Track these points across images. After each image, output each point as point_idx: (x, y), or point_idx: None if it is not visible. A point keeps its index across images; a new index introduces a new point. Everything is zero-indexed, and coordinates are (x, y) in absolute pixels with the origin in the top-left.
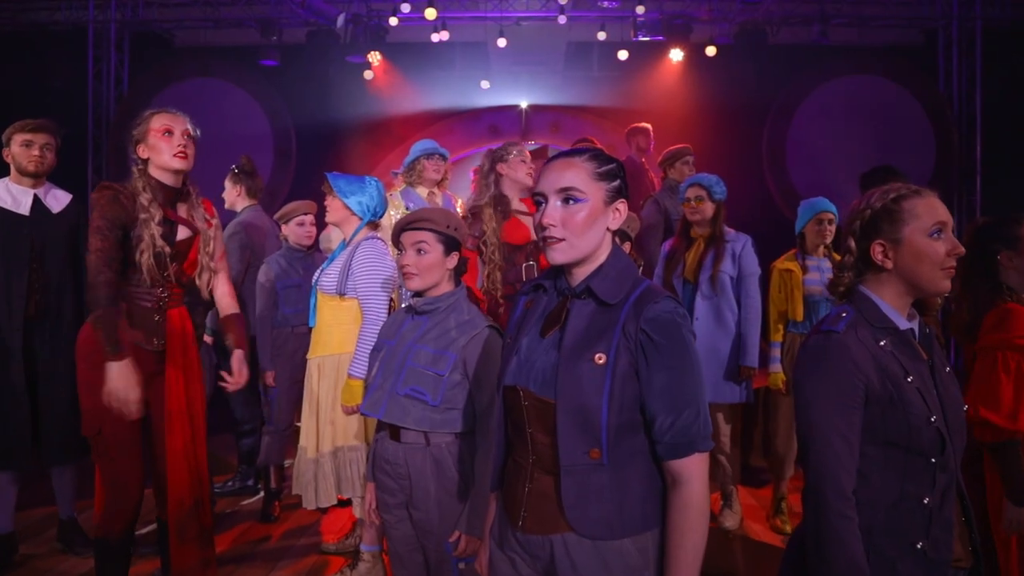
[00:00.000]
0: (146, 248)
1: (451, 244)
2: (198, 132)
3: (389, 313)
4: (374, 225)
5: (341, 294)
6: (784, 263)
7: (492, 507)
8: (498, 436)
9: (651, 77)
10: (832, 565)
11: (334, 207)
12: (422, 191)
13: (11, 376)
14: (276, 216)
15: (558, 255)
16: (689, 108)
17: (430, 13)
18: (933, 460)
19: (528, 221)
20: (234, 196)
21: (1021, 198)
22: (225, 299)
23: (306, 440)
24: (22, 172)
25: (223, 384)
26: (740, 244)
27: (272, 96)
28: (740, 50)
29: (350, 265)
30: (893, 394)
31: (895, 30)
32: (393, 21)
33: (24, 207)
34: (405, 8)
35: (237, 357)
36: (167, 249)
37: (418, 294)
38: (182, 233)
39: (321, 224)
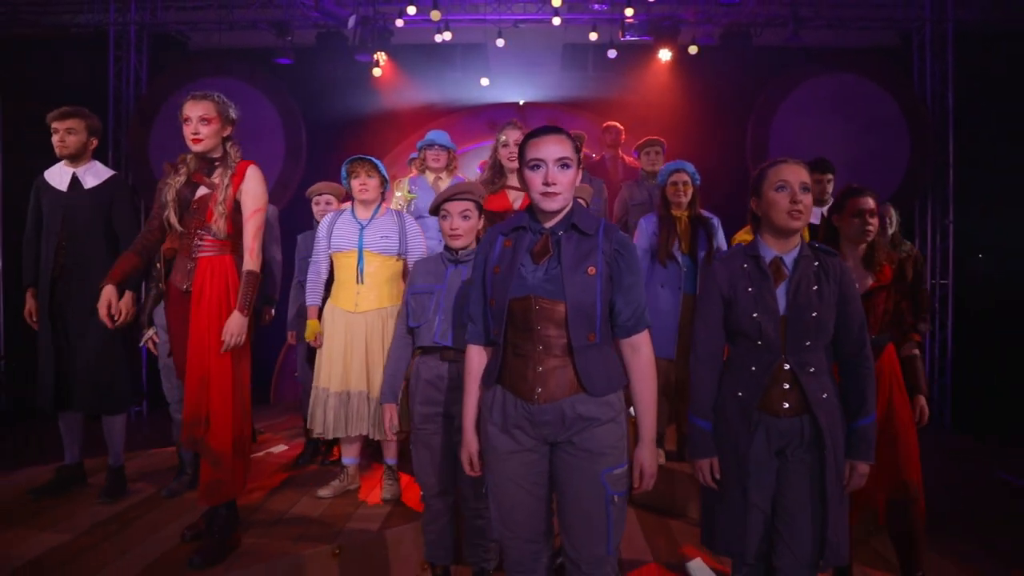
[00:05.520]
0: (162, 208)
1: (481, 210)
2: (229, 110)
3: None
4: None
5: (400, 255)
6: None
7: (472, 404)
8: (500, 341)
9: (642, 76)
10: (692, 390)
11: (373, 186)
12: (429, 176)
13: (41, 327)
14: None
15: (556, 204)
16: (678, 105)
17: (435, 15)
18: (759, 342)
19: (512, 194)
20: None
21: (991, 191)
22: (246, 253)
23: (344, 383)
24: (58, 156)
25: None
26: (716, 221)
27: (283, 94)
28: (725, 50)
29: (407, 232)
30: (733, 297)
31: (874, 32)
32: (399, 23)
33: (63, 184)
34: (411, 11)
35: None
36: (173, 206)
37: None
38: (202, 191)
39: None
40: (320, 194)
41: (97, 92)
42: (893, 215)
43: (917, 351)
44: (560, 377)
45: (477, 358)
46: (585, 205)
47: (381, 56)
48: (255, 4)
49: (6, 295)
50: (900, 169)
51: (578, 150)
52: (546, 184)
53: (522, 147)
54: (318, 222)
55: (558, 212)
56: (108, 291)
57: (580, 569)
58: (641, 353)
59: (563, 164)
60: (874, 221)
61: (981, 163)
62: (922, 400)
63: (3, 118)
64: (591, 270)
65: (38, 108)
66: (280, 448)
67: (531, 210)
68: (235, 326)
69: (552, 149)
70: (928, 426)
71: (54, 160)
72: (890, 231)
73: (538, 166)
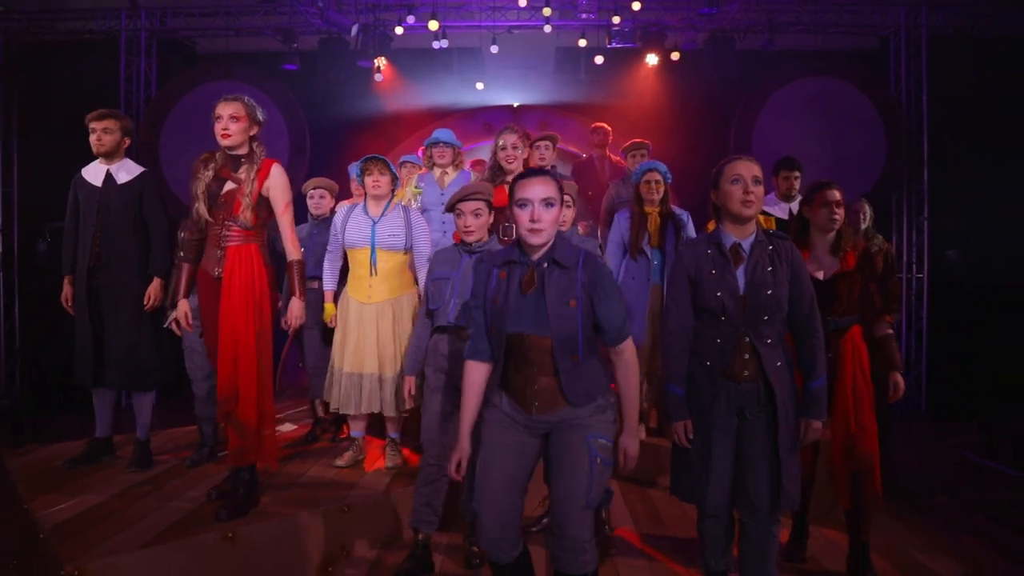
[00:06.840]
0: (193, 200)
1: (491, 207)
2: (256, 112)
3: None
4: None
5: (407, 249)
6: None
7: (468, 415)
8: (500, 361)
9: (631, 80)
10: (665, 362)
11: (384, 183)
12: (436, 171)
13: (80, 312)
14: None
15: (540, 239)
16: (665, 108)
17: (433, 25)
18: (723, 318)
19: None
20: None
21: (962, 189)
22: (286, 245)
23: (358, 365)
24: (95, 154)
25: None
26: (686, 216)
27: (288, 97)
28: (710, 55)
29: (412, 227)
30: (699, 279)
31: (852, 37)
32: (399, 30)
33: (98, 180)
34: (410, 19)
35: (291, 304)
36: (203, 198)
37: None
38: (229, 186)
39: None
40: (315, 188)
41: (108, 95)
42: (867, 211)
43: (891, 331)
44: (552, 394)
45: (476, 373)
46: (572, 201)
47: (381, 61)
48: (261, 11)
49: (21, 290)
50: (877, 168)
51: (562, 190)
52: (532, 221)
53: (512, 187)
54: (312, 215)
55: (542, 246)
56: (182, 304)
57: (563, 515)
58: (624, 356)
59: (547, 203)
60: (840, 211)
61: (953, 162)
62: (897, 375)
63: (19, 119)
64: (572, 303)
65: (52, 110)
66: (288, 428)
67: (520, 244)
68: (297, 310)
69: (538, 190)
70: (903, 412)
71: (67, 159)
72: (863, 226)
73: (525, 204)
